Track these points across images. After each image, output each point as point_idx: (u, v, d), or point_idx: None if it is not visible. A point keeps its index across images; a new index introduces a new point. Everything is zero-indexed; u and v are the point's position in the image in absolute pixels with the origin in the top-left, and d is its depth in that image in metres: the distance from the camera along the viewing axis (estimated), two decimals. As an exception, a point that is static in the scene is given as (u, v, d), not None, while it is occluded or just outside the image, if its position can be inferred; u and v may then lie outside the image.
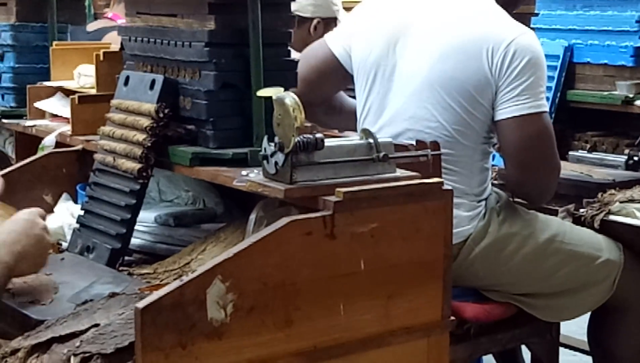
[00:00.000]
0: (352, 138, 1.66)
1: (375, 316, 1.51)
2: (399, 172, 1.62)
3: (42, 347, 1.41)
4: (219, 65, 1.73)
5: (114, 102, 1.90)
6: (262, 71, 1.72)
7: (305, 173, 1.53)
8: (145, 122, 1.78)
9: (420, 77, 2.07)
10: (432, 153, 1.73)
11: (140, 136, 1.79)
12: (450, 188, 1.60)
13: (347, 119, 2.30)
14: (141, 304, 1.31)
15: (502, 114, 2.05)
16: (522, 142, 2.06)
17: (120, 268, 1.79)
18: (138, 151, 1.79)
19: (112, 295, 1.51)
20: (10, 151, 2.57)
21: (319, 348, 1.45)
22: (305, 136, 1.52)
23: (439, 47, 2.06)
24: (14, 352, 1.43)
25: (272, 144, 1.54)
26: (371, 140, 1.60)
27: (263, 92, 1.62)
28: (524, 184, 2.14)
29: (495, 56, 2.02)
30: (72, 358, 1.35)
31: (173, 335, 1.32)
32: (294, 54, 1.90)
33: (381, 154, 1.59)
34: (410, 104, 2.08)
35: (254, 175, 1.61)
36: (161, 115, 1.77)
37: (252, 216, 1.70)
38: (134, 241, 1.89)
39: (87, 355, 1.35)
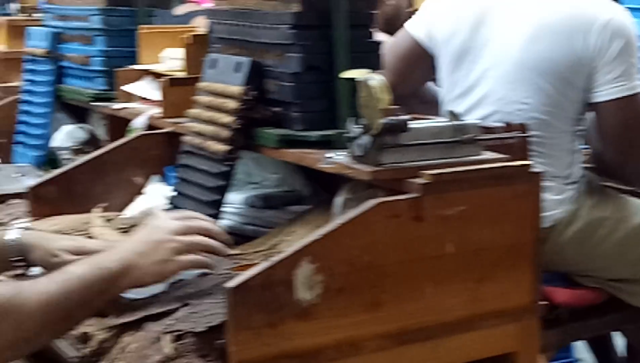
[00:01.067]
0: (439, 120, 1.65)
1: (463, 300, 1.50)
2: (487, 154, 1.61)
3: (135, 325, 1.44)
4: (304, 47, 1.74)
5: (201, 85, 1.93)
6: (347, 53, 1.72)
7: (392, 155, 1.53)
8: (231, 104, 1.80)
9: (510, 58, 2.04)
10: (520, 135, 1.71)
11: (227, 119, 1.81)
12: (538, 170, 1.58)
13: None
14: (232, 284, 1.33)
15: (600, 96, 2.02)
16: (622, 124, 2.03)
17: (210, 249, 1.81)
18: (225, 133, 1.81)
19: (203, 274, 1.54)
20: (102, 133, 2.63)
21: (407, 330, 1.45)
22: (391, 118, 1.52)
23: (530, 27, 2.03)
24: (108, 329, 1.47)
25: (358, 126, 1.54)
26: (457, 122, 1.59)
27: (347, 74, 1.62)
28: (623, 167, 2.10)
29: (590, 37, 1.99)
30: (163, 335, 1.38)
31: (263, 315, 1.34)
32: (378, 36, 1.90)
33: (468, 136, 1.57)
34: (500, 86, 2.06)
35: (340, 157, 1.61)
36: (247, 97, 1.79)
37: (339, 199, 1.71)
38: (223, 222, 1.92)
39: (178, 333, 1.37)
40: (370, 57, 1.77)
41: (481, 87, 2.09)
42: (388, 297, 1.43)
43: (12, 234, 1.70)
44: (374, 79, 1.50)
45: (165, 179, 2.11)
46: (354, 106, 1.65)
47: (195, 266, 1.47)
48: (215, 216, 1.85)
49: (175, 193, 1.94)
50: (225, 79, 1.85)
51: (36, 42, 2.75)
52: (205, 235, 1.52)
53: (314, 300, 1.37)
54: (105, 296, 1.44)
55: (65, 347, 1.51)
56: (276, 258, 1.37)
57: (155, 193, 2.05)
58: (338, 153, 1.63)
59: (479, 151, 1.60)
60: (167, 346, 1.36)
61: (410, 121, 1.53)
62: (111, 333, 1.46)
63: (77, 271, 1.42)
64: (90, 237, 1.83)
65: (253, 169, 2.10)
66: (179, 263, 1.46)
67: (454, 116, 1.59)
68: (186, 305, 1.45)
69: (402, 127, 1.52)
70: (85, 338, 1.49)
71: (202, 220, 1.54)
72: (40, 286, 1.39)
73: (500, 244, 1.53)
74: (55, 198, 2.05)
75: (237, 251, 1.80)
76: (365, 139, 1.51)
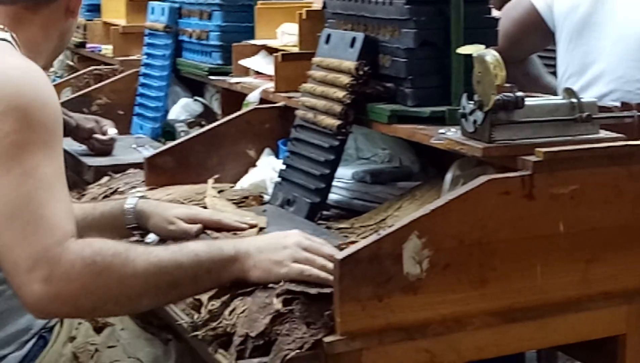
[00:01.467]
0: (554, 98, 1.63)
1: (573, 280, 1.48)
2: (602, 133, 1.57)
3: (245, 293, 1.47)
4: (419, 23, 1.73)
5: (315, 59, 1.94)
6: (463, 29, 1.71)
7: (504, 131, 1.51)
8: (345, 79, 1.82)
9: (632, 36, 1.99)
10: (639, 114, 1.67)
11: (340, 93, 1.82)
12: (657, 151, 1.54)
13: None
14: (340, 255, 1.34)
15: None
16: None
17: (319, 222, 1.84)
18: (338, 108, 1.83)
19: None
20: (216, 107, 2.68)
21: (514, 308, 1.44)
22: (505, 94, 1.50)
23: None
24: (220, 294, 1.50)
25: (471, 102, 1.53)
26: (574, 100, 1.56)
27: (463, 50, 1.61)
28: None
29: None
30: (274, 298, 1.40)
31: (370, 287, 1.35)
32: (494, 12, 1.88)
33: (584, 115, 1.54)
34: (620, 64, 2.01)
35: (452, 133, 1.61)
36: (361, 73, 1.80)
37: (449, 175, 1.70)
38: (332, 196, 1.94)
39: (289, 297, 1.39)
40: (486, 33, 1.76)
41: (599, 65, 2.05)
42: (496, 275, 1.42)
43: (130, 202, 1.76)
44: (490, 55, 1.49)
45: (277, 152, 2.15)
46: (467, 83, 1.64)
47: (304, 278, 1.43)
48: (325, 190, 1.87)
49: (285, 166, 1.97)
50: (340, 54, 1.86)
51: (156, 16, 2.82)
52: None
53: (421, 275, 1.38)
54: (213, 277, 1.45)
55: (178, 312, 1.55)
56: (385, 231, 1.38)
57: (267, 166, 2.09)
58: (450, 130, 1.63)
59: (596, 130, 1.57)
60: (278, 303, 1.38)
61: (525, 97, 1.51)
62: (223, 299, 1.49)
63: (192, 246, 1.46)
64: (204, 207, 1.88)
65: (363, 145, 2.11)
66: (290, 269, 1.44)
67: (570, 93, 1.56)
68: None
69: (516, 103, 1.50)
70: (197, 305, 1.53)
71: (330, 247, 1.51)
72: (152, 250, 1.44)
73: (614, 225, 1.49)
74: (170, 168, 2.11)
75: (345, 224, 1.82)
76: (478, 115, 1.51)
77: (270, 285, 1.43)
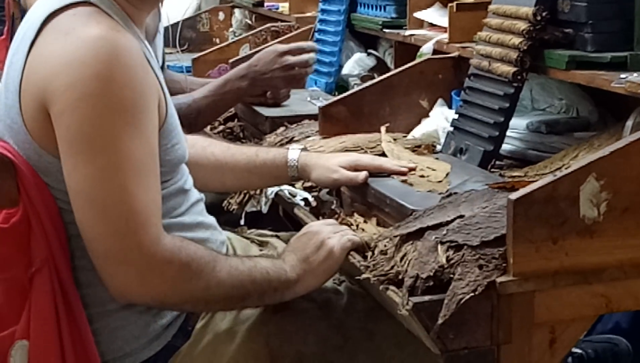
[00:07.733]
0: None
1: None
2: None
3: (416, 235, 1.48)
4: (602, -35, 1.69)
5: (491, 7, 1.92)
6: (648, -29, 1.65)
7: (691, 74, 1.45)
8: (522, 25, 1.79)
9: None
10: None
11: (516, 40, 1.80)
12: None
13: None
14: (514, 196, 1.33)
15: None
16: None
17: (492, 170, 1.82)
18: (513, 55, 1.80)
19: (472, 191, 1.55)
20: (389, 61, 2.69)
21: (697, 257, 1.39)
22: (693, 35, 1.44)
23: None
24: (389, 239, 1.52)
25: (656, 43, 1.48)
26: None
27: (649, -11, 1.55)
28: None
29: None
30: (439, 245, 1.41)
31: (544, 229, 1.33)
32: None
33: None
34: None
35: (634, 77, 1.55)
36: (539, 18, 1.76)
37: (629, 122, 1.65)
38: (505, 146, 1.91)
39: (453, 244, 1.39)
40: (673, -26, 1.68)
41: None
42: (678, 221, 1.37)
43: (293, 155, 1.79)
44: (677, -8, 1.43)
45: (449, 103, 2.14)
46: (651, 27, 1.58)
47: (347, 248, 1.54)
48: (499, 138, 1.85)
49: (458, 116, 1.96)
50: (518, 0, 1.83)
51: (333, -28, 2.85)
52: None
53: (598, 218, 1.35)
54: (277, 296, 1.50)
55: (352, 252, 1.57)
56: (562, 173, 1.35)
57: (440, 116, 2.09)
58: (632, 75, 1.57)
59: None
60: (441, 255, 1.39)
61: None
62: (393, 243, 1.50)
63: (263, 262, 1.50)
64: (381, 154, 1.89)
65: (539, 96, 2.07)
66: (333, 253, 1.53)
67: None
68: (460, 217, 1.46)
69: None
70: (366, 248, 1.55)
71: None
72: (232, 263, 1.47)
73: None
74: (344, 117, 2.14)
75: (518, 173, 1.80)
76: (663, 56, 1.45)
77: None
